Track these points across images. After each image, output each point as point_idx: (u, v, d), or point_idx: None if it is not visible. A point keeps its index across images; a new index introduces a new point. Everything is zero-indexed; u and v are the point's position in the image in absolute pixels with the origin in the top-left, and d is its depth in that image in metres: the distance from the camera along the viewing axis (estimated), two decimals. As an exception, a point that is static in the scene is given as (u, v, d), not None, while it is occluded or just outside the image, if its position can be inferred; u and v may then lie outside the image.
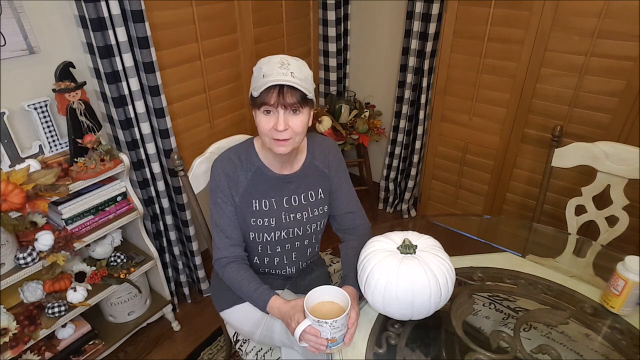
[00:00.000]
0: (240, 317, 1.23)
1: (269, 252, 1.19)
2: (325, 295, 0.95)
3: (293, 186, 1.15)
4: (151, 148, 1.66)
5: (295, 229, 1.17)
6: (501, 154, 2.08)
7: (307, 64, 1.03)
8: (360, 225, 1.24)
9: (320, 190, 1.19)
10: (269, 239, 1.16)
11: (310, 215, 1.18)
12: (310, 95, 0.99)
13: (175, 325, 1.95)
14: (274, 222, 1.14)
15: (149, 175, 1.71)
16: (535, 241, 1.40)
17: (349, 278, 1.07)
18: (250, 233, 1.14)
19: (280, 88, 0.95)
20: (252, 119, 1.07)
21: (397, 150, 2.50)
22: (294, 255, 1.23)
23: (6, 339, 1.34)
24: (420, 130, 2.36)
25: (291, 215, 1.16)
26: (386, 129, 2.57)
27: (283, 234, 1.16)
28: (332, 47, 2.41)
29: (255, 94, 0.97)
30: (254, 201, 1.12)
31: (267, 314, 1.14)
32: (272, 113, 0.98)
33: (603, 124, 1.75)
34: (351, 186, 1.25)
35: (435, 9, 2.01)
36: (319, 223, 1.21)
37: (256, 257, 1.21)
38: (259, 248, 1.18)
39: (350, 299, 0.91)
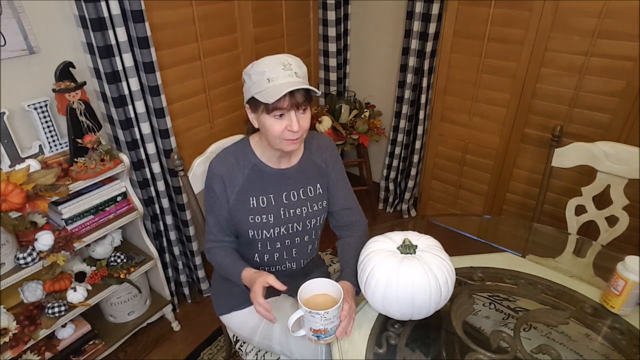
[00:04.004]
0: (238, 323, 1.24)
1: (268, 248, 1.19)
2: (319, 287, 0.96)
3: (291, 181, 1.16)
4: (151, 148, 1.66)
5: (295, 224, 1.18)
6: (501, 154, 2.08)
7: (307, 64, 1.06)
8: (357, 221, 1.25)
9: (318, 185, 1.19)
10: (268, 235, 1.16)
11: (310, 211, 1.18)
12: (316, 93, 1.02)
13: (175, 325, 1.96)
14: (272, 219, 1.14)
15: (149, 175, 1.71)
16: (535, 241, 1.40)
17: (345, 273, 1.09)
18: (249, 231, 1.14)
19: (291, 91, 0.96)
20: (252, 119, 1.08)
21: (397, 150, 2.50)
22: (294, 252, 1.23)
23: (6, 339, 1.34)
24: (420, 130, 2.36)
25: (290, 211, 1.16)
26: (386, 129, 2.57)
27: (282, 230, 1.17)
28: (332, 47, 2.41)
29: (267, 100, 0.96)
30: (251, 198, 1.13)
31: (264, 324, 1.18)
32: (284, 115, 1.00)
33: (603, 124, 1.75)
34: (348, 183, 1.26)
35: (435, 9, 2.01)
36: (318, 218, 1.21)
37: (256, 255, 1.21)
38: (259, 245, 1.18)
39: (343, 292, 0.92)
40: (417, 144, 2.41)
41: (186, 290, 2.07)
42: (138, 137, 1.62)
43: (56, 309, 1.45)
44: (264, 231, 1.15)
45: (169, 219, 1.83)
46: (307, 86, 0.98)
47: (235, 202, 1.13)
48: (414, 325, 0.99)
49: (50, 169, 1.32)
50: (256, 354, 1.24)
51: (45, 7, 1.37)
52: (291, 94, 0.97)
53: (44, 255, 1.34)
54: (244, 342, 1.28)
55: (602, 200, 1.47)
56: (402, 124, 2.39)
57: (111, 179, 1.54)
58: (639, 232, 1.74)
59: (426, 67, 2.18)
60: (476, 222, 1.59)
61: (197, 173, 1.30)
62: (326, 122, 2.25)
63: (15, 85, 1.36)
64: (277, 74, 0.97)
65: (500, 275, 1.16)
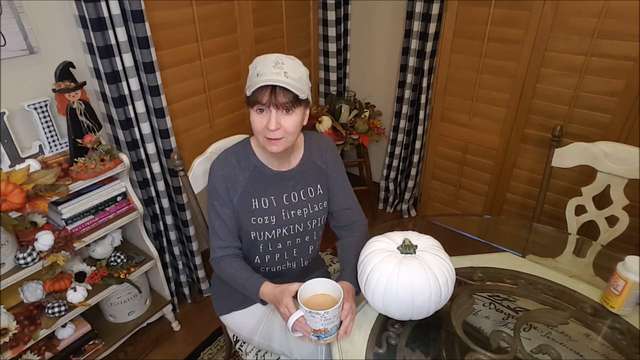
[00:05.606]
0: (238, 323, 1.24)
1: (270, 249, 1.19)
2: (319, 287, 0.96)
3: (292, 182, 1.16)
4: (151, 148, 1.66)
5: (296, 225, 1.18)
6: (501, 154, 2.08)
7: (307, 64, 1.04)
8: (357, 221, 1.25)
9: (318, 186, 1.19)
10: (269, 236, 1.16)
11: (311, 211, 1.18)
12: (303, 95, 1.00)
13: (175, 325, 1.96)
14: (274, 220, 1.14)
15: (149, 175, 1.71)
16: (535, 241, 1.40)
17: (345, 273, 1.09)
18: (251, 232, 1.14)
19: (273, 88, 0.96)
20: (251, 119, 1.07)
21: (397, 150, 2.50)
22: (295, 252, 1.23)
23: (6, 339, 1.34)
24: (420, 130, 2.36)
25: (291, 212, 1.16)
26: (386, 129, 2.57)
27: (284, 231, 1.17)
28: (332, 47, 2.41)
29: (249, 93, 0.99)
30: (253, 200, 1.13)
31: (264, 324, 1.17)
32: (265, 112, 1.00)
33: (603, 124, 1.75)
34: (348, 183, 1.26)
35: (435, 9, 2.01)
36: (319, 219, 1.21)
37: (257, 256, 1.21)
38: (260, 247, 1.18)
39: (343, 292, 0.92)
40: (417, 144, 2.41)
41: (186, 290, 2.07)
42: (138, 137, 1.62)
43: (56, 309, 1.45)
44: (266, 232, 1.15)
45: (169, 219, 1.83)
46: (285, 85, 0.95)
47: (238, 203, 1.13)
48: (414, 325, 0.99)
49: (50, 169, 1.32)
50: (256, 354, 1.24)
51: (45, 7, 1.37)
52: (273, 92, 0.96)
53: (44, 255, 1.34)
54: (244, 342, 1.28)
55: (602, 200, 1.47)
56: (402, 124, 2.39)
57: (111, 179, 1.54)
58: (639, 232, 1.74)
59: (426, 67, 2.18)
60: (476, 222, 1.59)
61: (197, 173, 1.29)
62: (326, 122, 2.25)
63: (15, 85, 1.36)
64: (266, 70, 0.96)
65: (500, 275, 1.16)
